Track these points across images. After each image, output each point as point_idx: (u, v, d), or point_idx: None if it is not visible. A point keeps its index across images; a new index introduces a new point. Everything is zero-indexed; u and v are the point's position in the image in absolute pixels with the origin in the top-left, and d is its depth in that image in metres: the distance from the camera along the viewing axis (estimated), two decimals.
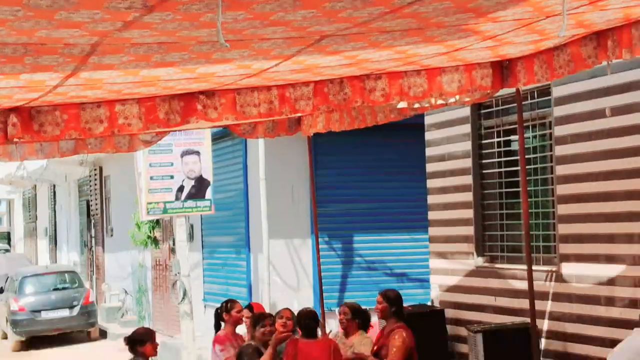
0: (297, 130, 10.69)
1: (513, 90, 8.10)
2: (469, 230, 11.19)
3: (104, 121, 7.54)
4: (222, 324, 10.04)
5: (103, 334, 25.11)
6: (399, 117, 9.34)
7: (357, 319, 9.92)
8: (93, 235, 29.59)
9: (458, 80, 7.61)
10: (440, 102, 8.78)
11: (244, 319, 10.08)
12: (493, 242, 10.99)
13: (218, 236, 18.22)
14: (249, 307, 10.41)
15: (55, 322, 24.37)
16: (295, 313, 9.69)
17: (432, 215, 12.06)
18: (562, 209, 9.61)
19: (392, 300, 9.58)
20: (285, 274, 15.98)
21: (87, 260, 30.57)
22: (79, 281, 25.91)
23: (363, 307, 10.30)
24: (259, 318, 9.60)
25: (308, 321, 9.12)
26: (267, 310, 10.89)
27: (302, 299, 15.60)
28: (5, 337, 25.47)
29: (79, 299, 24.73)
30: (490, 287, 10.75)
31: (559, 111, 9.66)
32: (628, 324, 8.62)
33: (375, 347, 9.57)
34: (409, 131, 14.44)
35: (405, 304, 10.22)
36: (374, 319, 10.58)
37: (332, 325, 13.46)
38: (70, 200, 33.12)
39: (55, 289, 25.11)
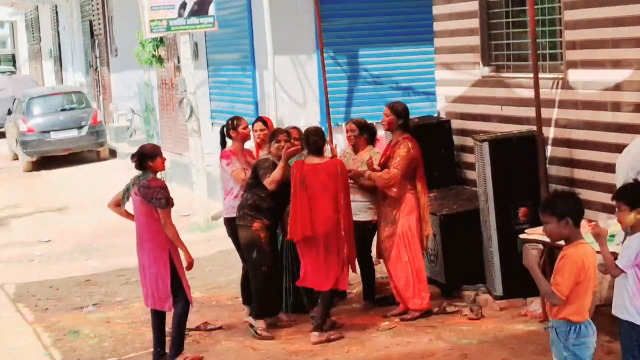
0: None
1: None
2: (475, 40, 11.07)
3: None
4: (229, 141, 10.09)
5: (112, 154, 25.37)
6: None
7: (364, 134, 10.00)
8: (98, 55, 29.42)
9: None
10: None
11: (257, 132, 10.11)
12: (499, 51, 10.89)
13: (223, 54, 18.11)
14: (262, 120, 10.44)
15: (64, 142, 24.58)
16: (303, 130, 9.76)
17: (437, 26, 11.92)
18: (569, 15, 9.48)
19: (399, 112, 9.61)
20: (291, 90, 15.97)
21: (93, 81, 30.51)
22: (86, 101, 25.96)
23: (369, 121, 10.35)
24: (274, 133, 9.65)
25: (315, 138, 9.17)
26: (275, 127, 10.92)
27: (308, 115, 15.64)
28: (16, 158, 25.74)
29: (87, 119, 24.85)
30: (496, 97, 10.72)
31: None
32: (634, 129, 8.66)
33: (382, 159, 9.66)
34: None
35: (411, 117, 10.27)
36: (380, 133, 10.64)
37: (340, 141, 13.55)
38: (72, 21, 32.77)
39: (63, 110, 25.20)
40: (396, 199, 9.45)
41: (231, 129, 10.00)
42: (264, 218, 9.37)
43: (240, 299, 10.10)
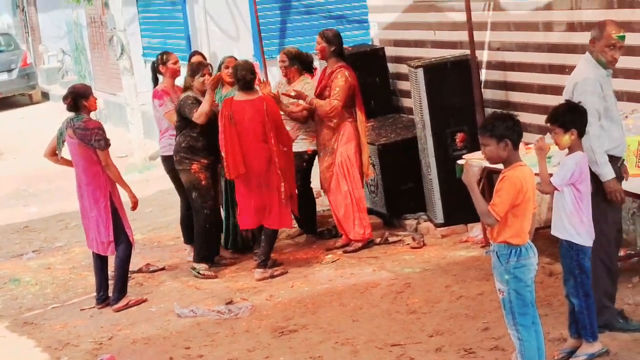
0: None
1: None
2: None
3: None
4: (160, 78, 9.94)
5: (45, 96, 24.95)
6: None
7: (295, 64, 9.88)
8: None
9: None
10: None
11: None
12: None
13: None
14: (199, 53, 10.31)
15: None
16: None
17: None
18: None
19: (330, 39, 9.51)
20: (223, 23, 15.75)
21: (21, 22, 29.86)
22: (15, 44, 25.44)
23: (304, 52, 10.21)
24: (197, 68, 9.48)
25: (244, 73, 9.02)
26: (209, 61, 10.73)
27: (242, 48, 15.43)
28: None
29: (16, 62, 24.38)
30: (428, 22, 10.64)
31: None
32: (567, 48, 8.65)
33: (317, 90, 9.56)
34: None
35: (345, 45, 10.17)
36: (317, 63, 10.52)
37: (275, 74, 13.42)
38: None
39: None
40: (334, 128, 9.40)
41: (160, 64, 9.84)
42: (201, 158, 9.25)
43: (182, 239, 10.01)
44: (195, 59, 10.03)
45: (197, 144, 9.22)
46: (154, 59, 10.14)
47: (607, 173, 6.45)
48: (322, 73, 9.68)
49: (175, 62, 9.82)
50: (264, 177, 8.94)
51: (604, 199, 6.47)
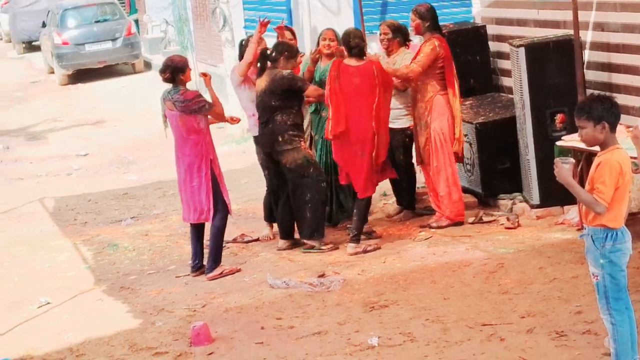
0: None
1: None
2: None
3: None
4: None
5: (148, 66, 25.31)
6: None
7: (397, 36, 9.88)
8: None
9: None
10: None
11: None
12: None
13: None
14: (288, 29, 10.27)
15: (99, 54, 24.54)
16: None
17: None
18: None
19: (423, 14, 9.49)
20: None
21: None
22: (120, 13, 25.83)
23: (402, 25, 10.18)
24: (296, 51, 9.50)
25: (357, 40, 9.03)
26: (308, 36, 10.77)
27: (342, 23, 15.38)
28: (51, 71, 25.76)
29: (121, 31, 24.76)
30: (532, 0, 10.50)
31: None
32: None
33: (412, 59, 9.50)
34: None
35: (447, 22, 10.11)
36: (414, 41, 10.48)
37: (374, 49, 13.40)
38: None
39: (97, 22, 25.09)
40: (427, 102, 9.35)
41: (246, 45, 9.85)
42: (303, 134, 9.32)
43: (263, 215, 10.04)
44: (287, 34, 10.01)
45: (299, 120, 9.25)
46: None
47: None
48: (419, 48, 9.62)
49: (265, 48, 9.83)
50: (363, 144, 8.94)
51: None
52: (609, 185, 5.46)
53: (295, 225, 9.41)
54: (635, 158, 6.14)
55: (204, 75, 9.17)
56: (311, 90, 9.22)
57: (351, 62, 9.01)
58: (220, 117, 8.99)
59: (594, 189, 5.50)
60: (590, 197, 5.48)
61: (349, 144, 8.99)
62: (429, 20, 9.46)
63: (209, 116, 8.81)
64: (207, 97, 8.98)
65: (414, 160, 9.93)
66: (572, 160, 5.76)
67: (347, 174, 9.13)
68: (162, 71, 8.76)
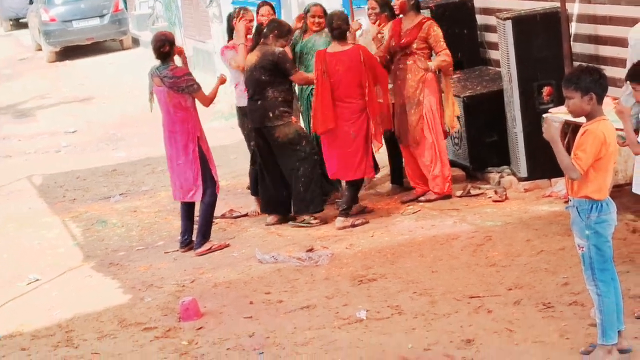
0: None
1: None
2: None
3: None
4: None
5: (135, 42, 25.25)
6: None
7: (385, 10, 9.91)
8: None
9: None
10: None
11: (264, 17, 9.91)
12: None
13: None
14: (267, 4, 10.20)
15: (86, 31, 24.46)
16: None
17: None
18: None
19: None
20: None
21: None
22: None
23: None
24: (288, 31, 9.48)
25: (340, 22, 9.02)
26: (297, 11, 10.75)
27: (332, 3, 15.38)
28: (39, 48, 25.69)
29: (108, 7, 24.66)
30: None
31: None
32: None
33: (403, 42, 9.48)
34: None
35: None
36: None
37: (363, 22, 13.36)
38: None
39: None
40: (418, 80, 9.37)
41: (235, 18, 9.84)
42: (292, 112, 9.32)
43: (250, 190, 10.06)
44: (264, 9, 10.01)
45: (289, 97, 9.26)
46: (244, 6, 10.18)
47: None
48: (396, 26, 9.59)
49: (251, 20, 9.83)
50: (353, 125, 8.95)
51: None
52: (588, 153, 5.48)
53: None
54: (621, 130, 6.17)
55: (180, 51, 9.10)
56: (297, 76, 9.19)
57: (336, 48, 9.00)
58: (207, 103, 8.91)
59: (574, 155, 5.53)
60: (569, 161, 5.50)
61: (340, 128, 8.99)
62: None
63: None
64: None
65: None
66: (563, 119, 5.77)
67: (336, 167, 9.12)
68: (161, 46, 8.66)
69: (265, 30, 9.25)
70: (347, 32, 9.10)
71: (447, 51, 9.38)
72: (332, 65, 8.95)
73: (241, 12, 9.86)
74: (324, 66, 8.96)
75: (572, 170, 5.52)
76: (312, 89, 9.40)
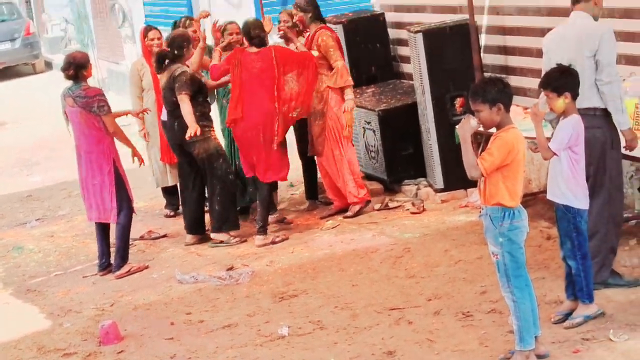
0: None
1: None
2: None
3: None
4: None
5: (48, 65, 24.94)
6: None
7: (296, 26, 9.91)
8: None
9: None
10: None
11: (154, 40, 9.96)
12: None
13: None
14: (156, 29, 10.24)
15: None
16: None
17: None
18: None
19: (304, 7, 9.60)
20: None
21: None
22: (17, 12, 25.42)
23: None
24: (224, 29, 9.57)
25: (257, 31, 9.05)
26: (209, 28, 10.71)
27: (244, 15, 15.37)
28: None
29: (19, 31, 24.36)
30: None
31: None
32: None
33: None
34: None
35: (347, 12, 10.16)
36: None
37: (276, 39, 13.41)
38: None
39: None
40: (322, 92, 9.39)
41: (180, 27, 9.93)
42: (211, 124, 9.28)
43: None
44: (152, 33, 10.06)
45: (206, 110, 9.23)
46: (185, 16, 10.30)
47: (627, 121, 6.59)
48: (307, 40, 9.66)
49: (152, 39, 9.90)
50: (264, 129, 8.95)
51: (618, 152, 6.57)
52: (495, 156, 5.58)
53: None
54: (533, 138, 6.29)
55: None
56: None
57: (252, 49, 9.04)
58: (111, 129, 8.69)
59: (480, 156, 5.62)
60: (473, 159, 5.58)
61: (249, 128, 8.98)
62: (311, 11, 9.56)
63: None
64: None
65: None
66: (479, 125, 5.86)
67: (250, 164, 9.13)
68: (65, 68, 8.64)
69: (169, 53, 9.23)
70: (265, 38, 9.15)
71: (341, 63, 9.37)
72: (245, 63, 8.97)
73: (187, 21, 9.94)
74: (238, 60, 8.98)
75: (474, 169, 5.59)
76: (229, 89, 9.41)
